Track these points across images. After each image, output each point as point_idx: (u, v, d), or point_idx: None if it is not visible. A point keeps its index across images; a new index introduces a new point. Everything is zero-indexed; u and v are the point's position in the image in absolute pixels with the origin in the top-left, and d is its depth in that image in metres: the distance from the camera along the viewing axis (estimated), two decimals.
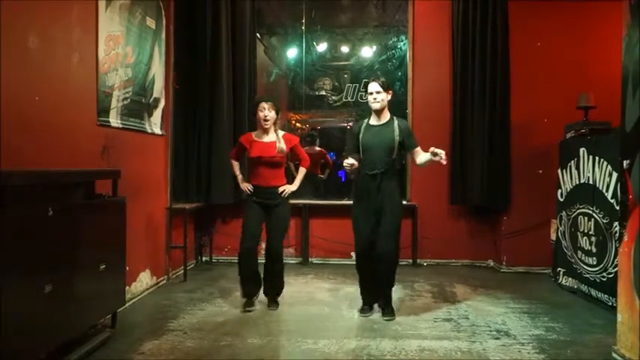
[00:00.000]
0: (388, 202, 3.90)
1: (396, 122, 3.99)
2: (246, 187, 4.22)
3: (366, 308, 4.12)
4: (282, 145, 4.09)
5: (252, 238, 4.11)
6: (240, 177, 4.36)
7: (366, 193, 3.95)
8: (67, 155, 3.46)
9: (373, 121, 4.03)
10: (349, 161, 3.78)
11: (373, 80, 3.97)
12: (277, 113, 4.15)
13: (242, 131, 5.46)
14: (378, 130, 3.97)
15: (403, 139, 3.95)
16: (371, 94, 3.94)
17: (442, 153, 3.67)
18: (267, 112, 4.07)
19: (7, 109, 2.84)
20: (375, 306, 4.15)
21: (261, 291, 4.29)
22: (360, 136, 3.99)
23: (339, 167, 6.95)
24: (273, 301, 4.25)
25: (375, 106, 3.94)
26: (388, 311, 4.02)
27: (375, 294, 4.11)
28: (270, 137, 4.13)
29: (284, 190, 4.15)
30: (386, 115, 4.00)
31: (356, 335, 3.62)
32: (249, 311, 4.11)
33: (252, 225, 4.13)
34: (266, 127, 4.10)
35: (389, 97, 3.98)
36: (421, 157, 3.96)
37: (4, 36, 2.84)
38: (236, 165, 4.39)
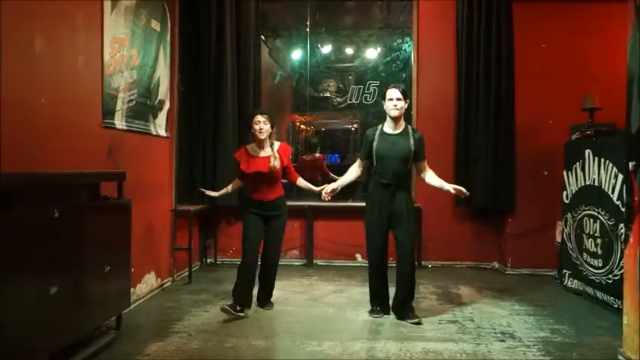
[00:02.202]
0: (403, 211, 3.91)
1: (410, 131, 3.97)
2: (209, 193, 4.41)
3: (377, 309, 4.10)
4: (277, 162, 4.04)
5: (255, 251, 4.08)
6: (220, 191, 4.41)
7: (378, 202, 3.95)
8: (72, 157, 3.47)
9: (388, 128, 3.97)
10: (328, 189, 4.04)
11: (394, 87, 3.94)
12: (272, 127, 4.13)
13: (246, 133, 5.47)
14: (393, 139, 3.93)
15: (416, 149, 3.94)
16: (391, 100, 3.89)
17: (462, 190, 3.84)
18: (262, 124, 4.04)
19: (13, 110, 2.86)
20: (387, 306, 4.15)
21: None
22: (375, 144, 3.95)
23: (345, 169, 6.94)
24: (267, 302, 4.29)
25: (394, 113, 3.89)
26: (412, 315, 3.96)
27: (388, 304, 4.11)
28: (265, 152, 4.10)
29: (281, 199, 4.18)
30: (401, 124, 3.97)
31: (360, 337, 3.62)
32: (238, 315, 3.95)
33: (254, 237, 4.09)
34: (261, 137, 4.06)
35: (406, 105, 3.95)
36: (434, 179, 4.00)
37: (10, 38, 2.86)
38: (234, 184, 4.34)
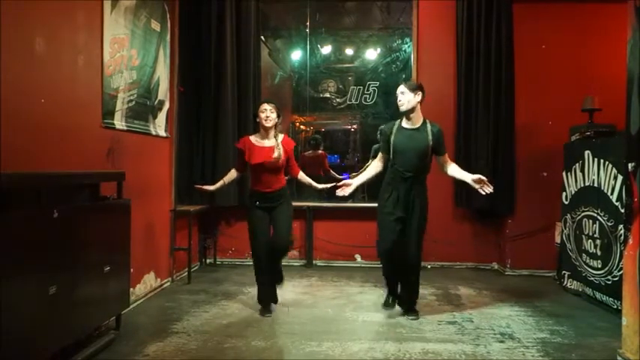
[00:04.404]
0: (416, 207, 3.93)
1: (429, 126, 3.96)
2: (205, 188, 4.26)
3: (389, 300, 4.19)
4: (280, 153, 4.02)
5: (265, 244, 4.08)
6: (216, 184, 4.27)
7: (395, 196, 3.94)
8: (72, 157, 3.47)
9: (405, 123, 3.98)
10: (346, 190, 3.99)
11: (400, 83, 4.00)
12: (278, 116, 4.12)
13: (246, 133, 5.47)
14: (410, 133, 3.94)
15: (434, 144, 3.93)
16: (397, 96, 3.95)
17: (486, 185, 3.82)
18: (268, 112, 4.03)
19: (14, 110, 2.86)
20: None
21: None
22: (392, 138, 3.96)
23: (345, 169, 6.96)
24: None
25: (401, 108, 3.91)
26: (412, 311, 4.08)
27: (399, 295, 4.18)
28: (269, 142, 4.07)
29: (284, 189, 4.14)
30: (418, 119, 3.96)
31: (360, 338, 3.61)
32: (269, 315, 4.09)
33: (262, 232, 4.09)
34: (267, 125, 4.03)
35: (417, 98, 3.90)
36: (455, 171, 4.03)
37: (10, 38, 2.86)
38: (230, 176, 4.25)
